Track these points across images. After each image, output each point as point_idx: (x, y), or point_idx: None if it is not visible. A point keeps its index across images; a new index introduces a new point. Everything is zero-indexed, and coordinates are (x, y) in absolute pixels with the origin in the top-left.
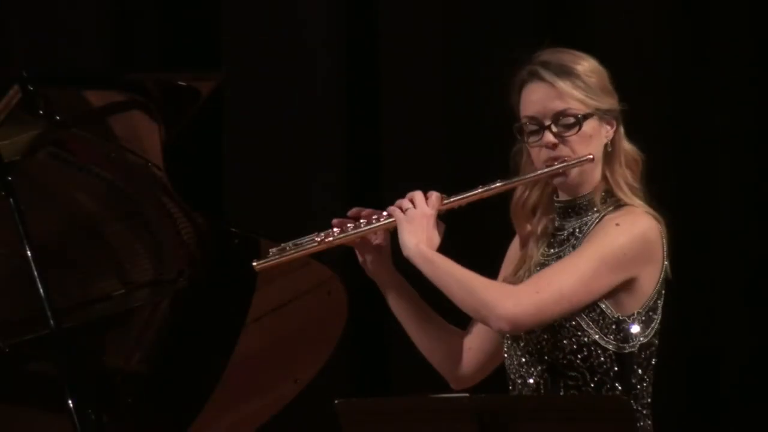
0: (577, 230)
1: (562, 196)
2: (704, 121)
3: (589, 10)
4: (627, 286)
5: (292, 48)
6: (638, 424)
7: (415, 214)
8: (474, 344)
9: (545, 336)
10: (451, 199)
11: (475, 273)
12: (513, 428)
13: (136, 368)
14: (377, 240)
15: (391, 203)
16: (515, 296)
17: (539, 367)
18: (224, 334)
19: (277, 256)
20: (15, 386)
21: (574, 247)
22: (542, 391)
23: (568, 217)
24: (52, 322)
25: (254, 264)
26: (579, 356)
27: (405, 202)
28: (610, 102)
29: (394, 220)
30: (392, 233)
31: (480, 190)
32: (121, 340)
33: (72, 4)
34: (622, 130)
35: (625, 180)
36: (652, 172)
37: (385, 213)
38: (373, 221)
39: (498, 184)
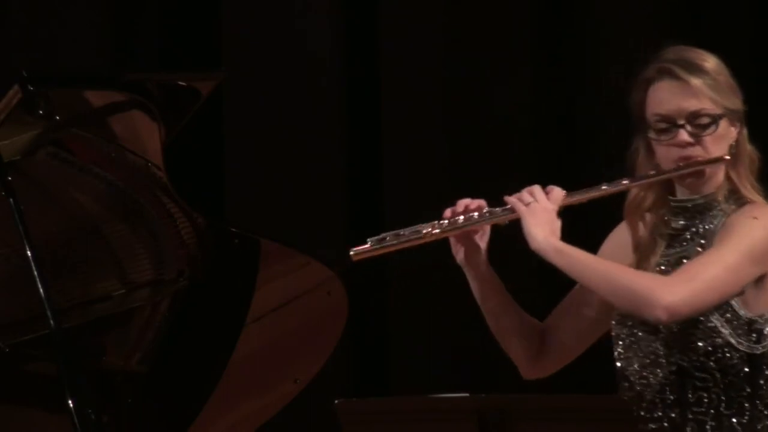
0: (701, 229)
1: (681, 195)
2: None
3: (590, 10)
4: (757, 283)
5: (293, 48)
6: (760, 425)
7: (537, 208)
8: (553, 337)
9: (676, 338)
10: (574, 196)
11: (615, 263)
12: (513, 428)
13: (136, 368)
14: (479, 235)
15: (391, 203)
16: (669, 285)
17: (667, 369)
18: (224, 334)
19: (376, 246)
20: (15, 386)
21: (701, 246)
22: (668, 393)
23: (688, 216)
24: (52, 322)
25: (351, 253)
26: (712, 358)
27: (526, 196)
28: (737, 102)
29: (504, 216)
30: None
31: (605, 188)
32: (121, 340)
33: (72, 4)
34: (745, 131)
35: (749, 180)
36: None
37: (487, 210)
38: (486, 214)
39: (625, 182)
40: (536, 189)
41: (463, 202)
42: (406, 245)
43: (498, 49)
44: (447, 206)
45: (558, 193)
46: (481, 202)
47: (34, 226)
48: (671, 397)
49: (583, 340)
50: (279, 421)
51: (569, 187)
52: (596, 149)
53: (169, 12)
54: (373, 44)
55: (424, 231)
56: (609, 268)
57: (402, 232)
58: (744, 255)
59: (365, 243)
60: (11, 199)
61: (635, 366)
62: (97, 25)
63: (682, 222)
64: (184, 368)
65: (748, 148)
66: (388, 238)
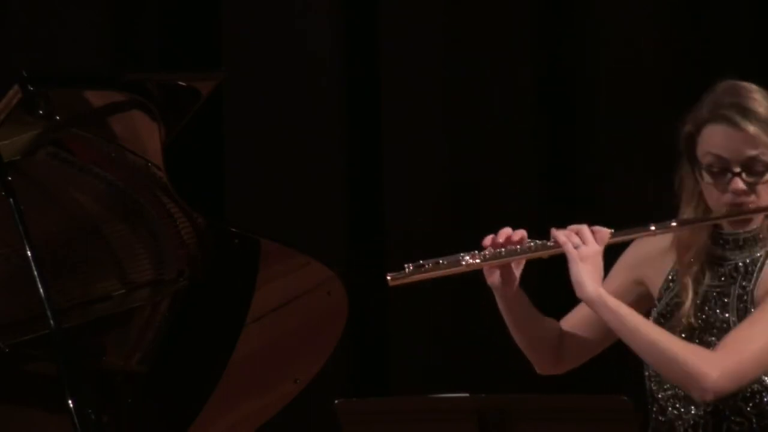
0: (742, 267)
1: (727, 229)
2: None
3: (590, 10)
4: None
5: (293, 48)
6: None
7: (589, 253)
8: (573, 339)
9: None
10: (619, 236)
11: (664, 331)
12: (513, 428)
13: (136, 368)
14: (515, 264)
15: (391, 203)
16: (718, 366)
17: (702, 409)
18: (224, 334)
19: (414, 272)
20: (15, 386)
21: (743, 288)
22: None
23: (730, 248)
24: (52, 322)
25: (389, 278)
26: (750, 403)
27: (575, 237)
28: None
29: (547, 250)
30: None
31: (652, 228)
32: (121, 340)
33: (72, 4)
34: None
35: None
36: (653, 171)
37: (529, 242)
38: (527, 248)
39: (673, 224)
40: (585, 230)
41: (504, 232)
42: (445, 273)
43: (498, 49)
44: (447, 206)
45: (605, 233)
46: (523, 233)
47: (34, 226)
48: None
49: (603, 342)
50: (279, 421)
51: (569, 188)
52: (596, 149)
53: (169, 12)
54: (373, 44)
55: (464, 261)
56: (655, 337)
57: (441, 261)
58: None
59: (402, 269)
60: (11, 199)
61: (668, 393)
62: (97, 25)
63: (721, 252)
64: (184, 368)
65: None
66: (426, 266)
